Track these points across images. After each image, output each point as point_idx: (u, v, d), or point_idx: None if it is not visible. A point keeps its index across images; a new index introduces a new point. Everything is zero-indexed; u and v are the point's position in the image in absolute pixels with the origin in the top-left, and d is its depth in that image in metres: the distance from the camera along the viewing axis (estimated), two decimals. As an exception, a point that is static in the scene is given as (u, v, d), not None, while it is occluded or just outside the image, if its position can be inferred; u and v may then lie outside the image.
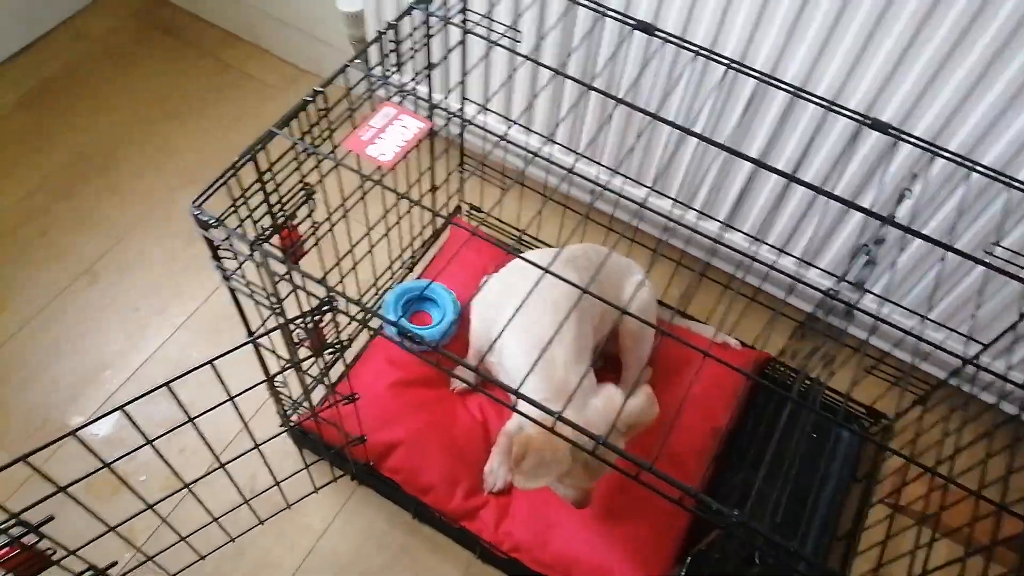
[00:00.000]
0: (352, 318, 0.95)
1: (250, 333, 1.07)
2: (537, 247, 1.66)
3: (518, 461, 1.04)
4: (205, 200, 0.88)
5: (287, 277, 0.94)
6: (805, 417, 0.86)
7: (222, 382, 0.86)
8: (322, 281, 0.85)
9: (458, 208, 1.70)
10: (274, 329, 0.93)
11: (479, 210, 1.70)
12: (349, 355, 1.45)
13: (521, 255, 1.35)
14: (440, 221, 1.66)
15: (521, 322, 1.14)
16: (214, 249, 0.92)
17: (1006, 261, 1.04)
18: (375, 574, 1.29)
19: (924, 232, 1.01)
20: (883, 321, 0.96)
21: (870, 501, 1.38)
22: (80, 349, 1.51)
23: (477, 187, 1.74)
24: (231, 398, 0.88)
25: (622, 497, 1.27)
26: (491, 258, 1.55)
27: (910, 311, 1.27)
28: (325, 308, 0.92)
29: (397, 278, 1.56)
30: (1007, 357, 1.02)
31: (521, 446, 1.03)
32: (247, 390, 0.90)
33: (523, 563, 1.24)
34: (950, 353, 1.08)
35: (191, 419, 0.85)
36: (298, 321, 0.96)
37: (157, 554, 1.02)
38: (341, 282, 1.31)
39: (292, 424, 1.30)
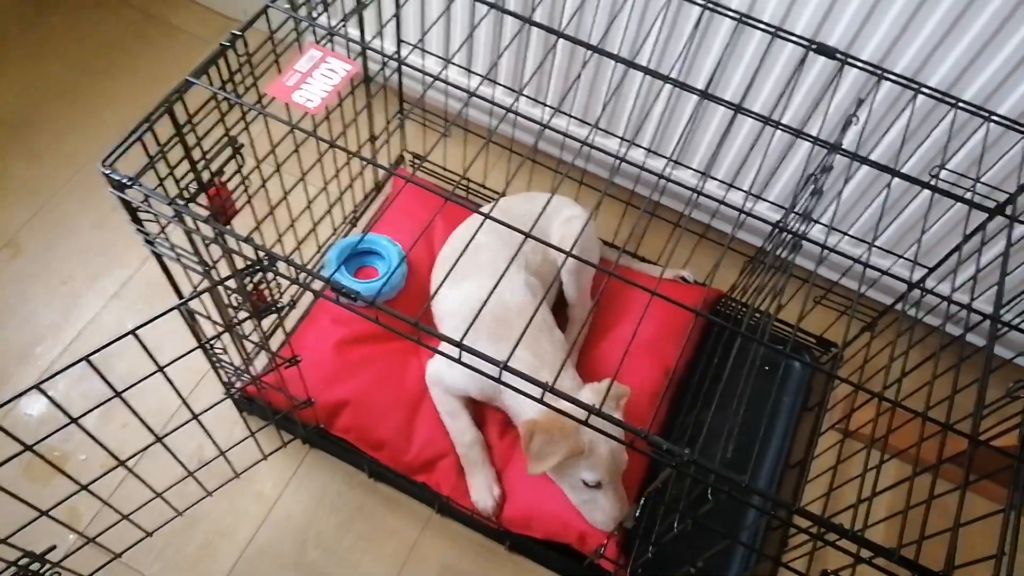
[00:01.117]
0: (286, 278, 0.90)
1: (181, 299, 1.01)
2: (484, 195, 1.62)
3: (526, 444, 1.08)
4: (117, 158, 0.82)
5: (217, 239, 0.88)
6: (755, 350, 0.85)
7: (148, 352, 0.81)
8: (248, 240, 0.80)
9: (400, 158, 1.64)
10: (201, 293, 0.88)
11: (421, 158, 1.64)
12: (296, 316, 1.40)
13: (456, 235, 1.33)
14: (382, 173, 1.59)
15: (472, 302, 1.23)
16: (132, 212, 0.85)
17: (952, 184, 1.04)
18: (331, 536, 1.27)
19: (870, 158, 0.99)
20: (831, 250, 0.95)
21: (821, 429, 1.40)
22: (8, 325, 1.43)
23: (420, 136, 1.68)
24: (160, 368, 0.83)
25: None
26: (436, 206, 1.50)
27: (857, 239, 1.27)
28: (255, 269, 0.87)
29: (341, 234, 1.50)
30: (952, 279, 1.03)
31: (527, 429, 1.08)
32: (177, 359, 0.85)
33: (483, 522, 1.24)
34: (896, 278, 1.08)
35: (118, 393, 0.80)
36: (229, 284, 0.91)
37: (98, 535, 0.97)
38: (279, 240, 1.25)
39: (234, 392, 1.26)
